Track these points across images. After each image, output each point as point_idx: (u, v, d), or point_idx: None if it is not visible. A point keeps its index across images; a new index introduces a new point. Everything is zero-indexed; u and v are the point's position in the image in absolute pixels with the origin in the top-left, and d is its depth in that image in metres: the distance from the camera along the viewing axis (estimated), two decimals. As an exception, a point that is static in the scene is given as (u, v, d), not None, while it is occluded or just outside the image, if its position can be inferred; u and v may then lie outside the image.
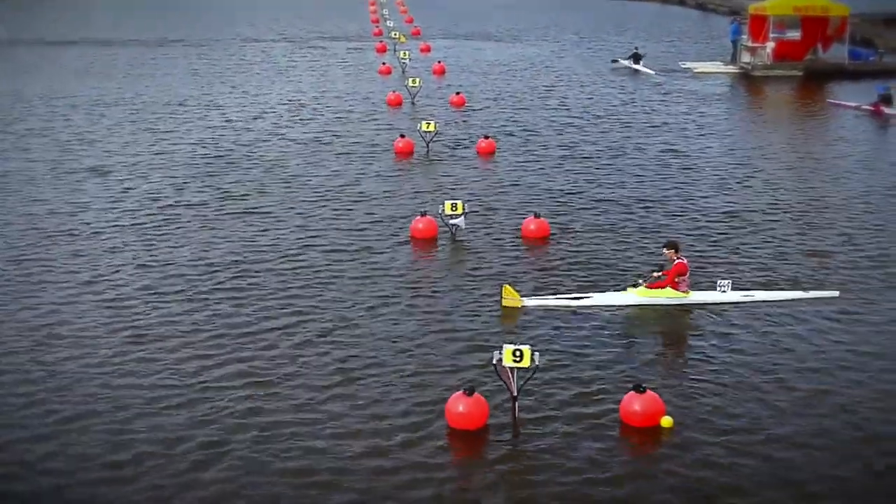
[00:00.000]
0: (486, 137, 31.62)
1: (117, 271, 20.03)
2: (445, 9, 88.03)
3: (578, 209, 24.60)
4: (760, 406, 14.33)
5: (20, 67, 50.82)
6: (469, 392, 13.63)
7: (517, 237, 22.15)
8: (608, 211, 24.45)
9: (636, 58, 51.36)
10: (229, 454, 13.03)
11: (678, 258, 18.20)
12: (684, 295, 18.15)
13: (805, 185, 27.14)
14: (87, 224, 23.19)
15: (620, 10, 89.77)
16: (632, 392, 13.83)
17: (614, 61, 52.08)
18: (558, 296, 18.43)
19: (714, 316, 17.62)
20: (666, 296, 18.11)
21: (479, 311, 17.85)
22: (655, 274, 18.40)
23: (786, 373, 15.40)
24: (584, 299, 18.21)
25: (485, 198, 25.43)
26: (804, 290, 18.78)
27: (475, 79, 47.02)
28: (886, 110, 38.01)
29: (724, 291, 18.25)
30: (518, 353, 13.63)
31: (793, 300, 18.32)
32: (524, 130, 34.54)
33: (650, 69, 49.63)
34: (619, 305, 18.07)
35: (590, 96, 42.09)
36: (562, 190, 26.46)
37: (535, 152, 31.11)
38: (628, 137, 33.57)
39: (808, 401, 14.51)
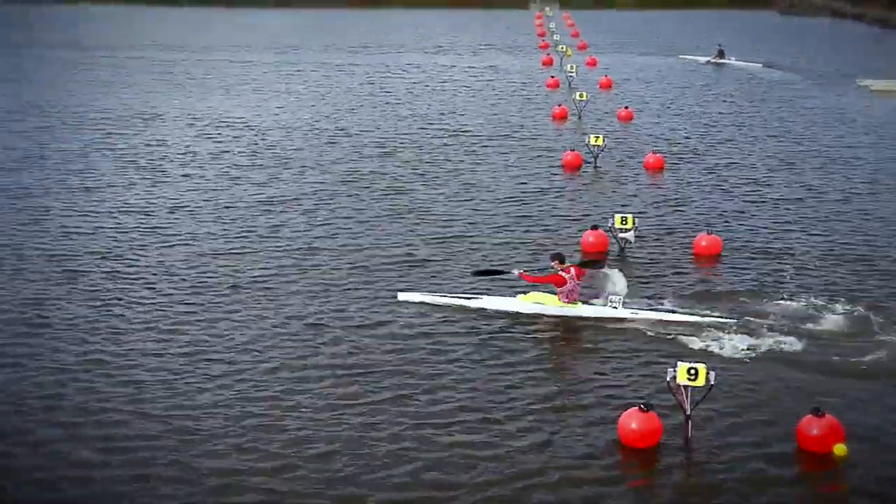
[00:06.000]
0: (655, 152, 31.35)
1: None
2: (612, 23, 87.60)
3: (752, 226, 24.10)
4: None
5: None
6: (646, 408, 13.49)
7: (688, 253, 21.86)
8: (782, 228, 23.90)
9: (721, 54, 59.01)
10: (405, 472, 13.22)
11: (561, 270, 18.30)
12: (572, 306, 18.24)
13: None
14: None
15: (789, 25, 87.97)
16: (809, 415, 13.44)
17: (707, 62, 58.87)
18: (446, 295, 18.89)
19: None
20: (554, 304, 18.27)
21: (647, 328, 17.64)
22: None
23: None
24: (474, 300, 18.61)
25: (654, 212, 25.16)
26: (700, 315, 17.99)
27: (643, 93, 46.66)
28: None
29: (615, 307, 18.14)
30: (693, 372, 13.44)
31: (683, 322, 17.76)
32: (694, 146, 34.10)
33: (738, 62, 57.54)
34: (506, 311, 18.34)
35: (758, 111, 41.31)
36: (733, 206, 25.99)
37: (706, 168, 30.65)
38: (801, 153, 32.85)
39: None
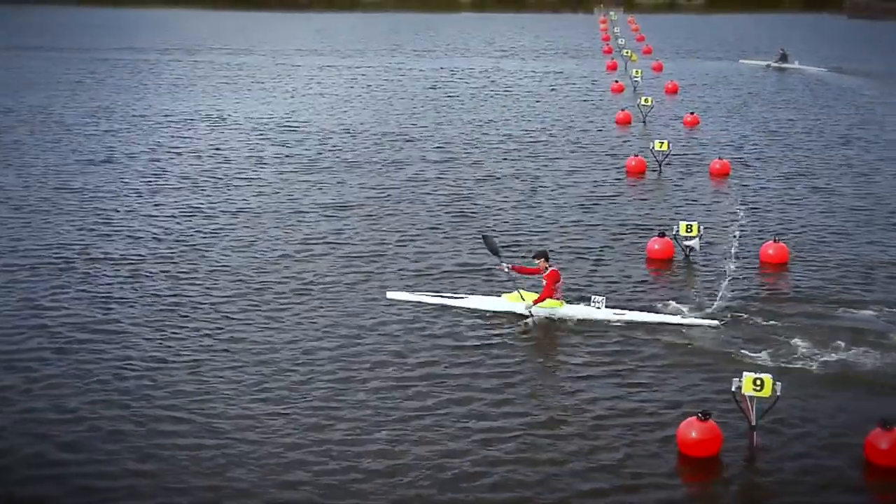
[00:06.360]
0: (721, 158, 31.00)
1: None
2: (678, 27, 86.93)
3: (820, 235, 23.73)
4: None
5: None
6: (704, 416, 13.29)
7: (754, 261, 21.54)
8: (851, 237, 23.50)
9: (784, 58, 59.06)
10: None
11: (550, 266, 18.17)
12: (557, 305, 18.09)
13: None
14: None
15: (859, 28, 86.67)
16: (878, 428, 13.13)
17: (768, 66, 59.18)
18: (434, 293, 19.00)
19: None
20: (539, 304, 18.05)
21: (712, 337, 17.35)
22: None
23: None
24: (458, 300, 18.65)
25: (720, 220, 24.86)
26: (683, 315, 18.02)
27: (709, 98, 46.26)
28: None
29: (598, 308, 18.06)
30: (759, 382, 13.21)
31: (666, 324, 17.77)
32: (760, 152, 33.70)
33: (803, 66, 57.37)
34: (489, 310, 18.31)
35: (827, 116, 40.75)
36: (801, 214, 25.61)
37: (772, 175, 30.27)
38: (871, 160, 32.39)
39: None
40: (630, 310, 18.33)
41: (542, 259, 18.41)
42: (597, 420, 14.33)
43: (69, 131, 36.88)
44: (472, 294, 19.12)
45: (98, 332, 17.38)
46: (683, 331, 17.55)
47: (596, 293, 18.60)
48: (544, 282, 18.13)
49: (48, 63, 59.70)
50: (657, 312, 18.31)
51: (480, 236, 19.88)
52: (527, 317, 18.04)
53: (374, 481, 12.64)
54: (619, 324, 17.86)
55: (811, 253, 22.21)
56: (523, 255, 21.27)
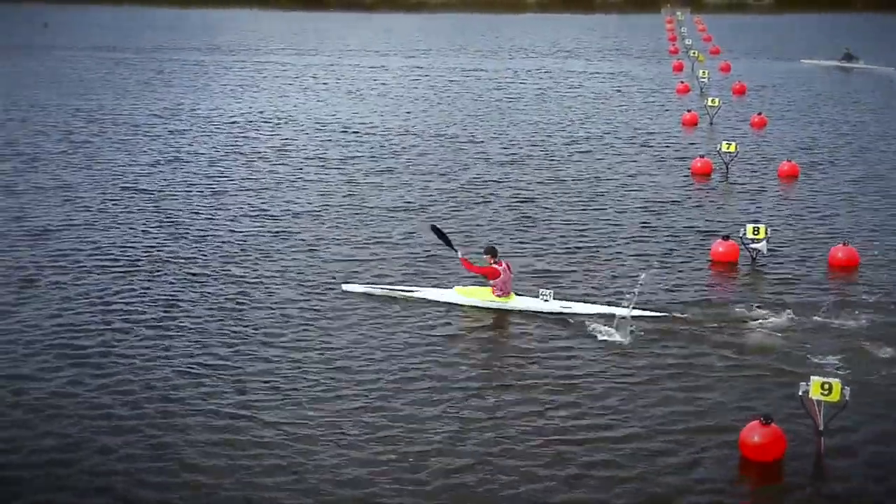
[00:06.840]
0: (789, 160, 30.54)
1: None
2: (746, 27, 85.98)
3: (891, 238, 23.23)
4: None
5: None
6: (766, 420, 13.01)
7: (823, 265, 21.14)
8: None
9: (848, 57, 58.61)
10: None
11: (494, 263, 18.68)
12: (504, 300, 18.60)
13: None
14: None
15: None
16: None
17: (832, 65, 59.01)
18: (387, 287, 19.47)
19: None
20: (484, 298, 18.68)
21: (778, 341, 17.03)
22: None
23: None
24: (411, 292, 19.20)
25: (788, 223, 24.45)
26: (626, 307, 17.71)
27: (778, 99, 45.66)
28: None
29: (546, 300, 18.48)
30: (827, 387, 12.94)
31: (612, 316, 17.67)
32: (830, 154, 33.18)
33: (871, 66, 56.66)
34: (441, 301, 18.85)
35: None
36: (872, 217, 25.11)
37: (843, 177, 29.76)
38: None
39: None
40: (577, 302, 18.55)
41: (489, 255, 18.93)
42: (658, 422, 14.12)
43: (136, 132, 37.29)
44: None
45: (159, 336, 17.27)
46: (750, 333, 17.28)
47: (657, 296, 18.37)
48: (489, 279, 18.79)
49: (115, 64, 60.54)
50: (608, 305, 18.33)
51: (431, 227, 20.68)
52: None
53: (429, 488, 12.56)
54: (684, 327, 17.62)
55: (882, 257, 21.76)
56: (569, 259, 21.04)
